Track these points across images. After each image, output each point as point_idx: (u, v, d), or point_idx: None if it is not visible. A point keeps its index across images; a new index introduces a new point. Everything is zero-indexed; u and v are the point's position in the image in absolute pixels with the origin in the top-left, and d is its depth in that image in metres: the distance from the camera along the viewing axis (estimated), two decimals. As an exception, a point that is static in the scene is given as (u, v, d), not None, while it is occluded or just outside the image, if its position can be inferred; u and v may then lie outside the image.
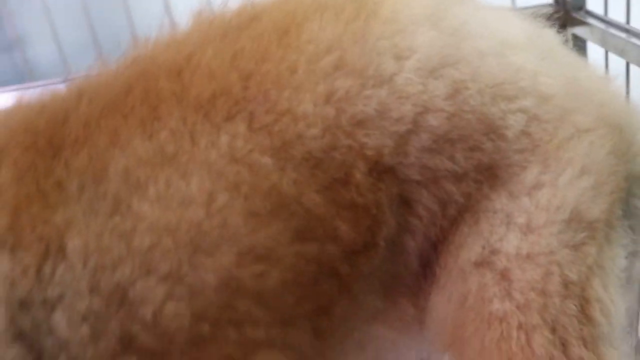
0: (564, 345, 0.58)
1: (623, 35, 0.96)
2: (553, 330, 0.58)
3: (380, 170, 0.55)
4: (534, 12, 1.05)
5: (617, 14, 1.00)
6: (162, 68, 0.54)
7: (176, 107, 0.51)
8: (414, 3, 0.60)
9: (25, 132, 0.51)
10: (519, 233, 0.58)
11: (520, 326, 0.58)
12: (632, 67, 0.95)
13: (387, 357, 0.72)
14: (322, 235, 0.54)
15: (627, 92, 0.93)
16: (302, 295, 0.54)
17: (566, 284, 0.58)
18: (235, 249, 0.50)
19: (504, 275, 0.58)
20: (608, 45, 1.00)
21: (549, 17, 1.06)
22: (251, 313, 0.52)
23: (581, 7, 1.11)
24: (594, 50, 1.08)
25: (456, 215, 0.59)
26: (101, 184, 0.50)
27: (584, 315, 0.59)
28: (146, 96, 0.52)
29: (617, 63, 1.00)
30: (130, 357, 0.49)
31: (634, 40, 0.93)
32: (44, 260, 0.48)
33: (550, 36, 0.68)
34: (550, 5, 1.12)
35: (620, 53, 0.97)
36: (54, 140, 0.51)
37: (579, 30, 1.10)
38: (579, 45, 1.12)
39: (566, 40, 1.07)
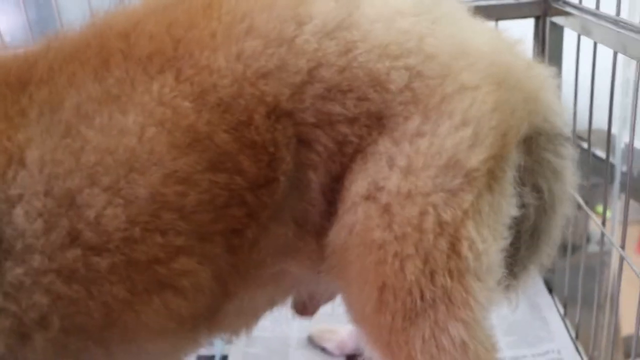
0: (432, 275, 0.66)
1: (594, 19, 1.06)
2: (424, 262, 0.66)
3: (278, 114, 0.65)
4: (518, 3, 1.19)
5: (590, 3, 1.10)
6: (114, 31, 0.68)
7: (122, 61, 0.66)
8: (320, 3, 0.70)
9: None
10: (400, 174, 0.66)
11: (396, 254, 0.66)
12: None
13: (302, 293, 0.83)
14: (230, 167, 0.65)
15: (594, 74, 1.04)
16: (216, 215, 0.65)
17: (440, 223, 0.66)
18: (161, 171, 0.62)
19: (386, 209, 0.67)
20: (583, 31, 1.08)
21: (529, 8, 1.20)
22: (174, 223, 0.63)
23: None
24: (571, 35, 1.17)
25: (352, 155, 0.68)
26: (57, 113, 0.62)
27: (454, 251, 0.67)
28: (100, 51, 0.67)
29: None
30: (75, 249, 0.61)
31: (603, 22, 1.00)
32: (7, 167, 0.61)
33: (449, 4, 0.75)
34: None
35: (590, 35, 1.04)
36: (22, 78, 0.65)
37: (556, 19, 1.21)
38: (557, 32, 1.23)
39: (545, 27, 1.22)
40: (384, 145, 0.67)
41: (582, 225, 1.16)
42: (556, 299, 1.25)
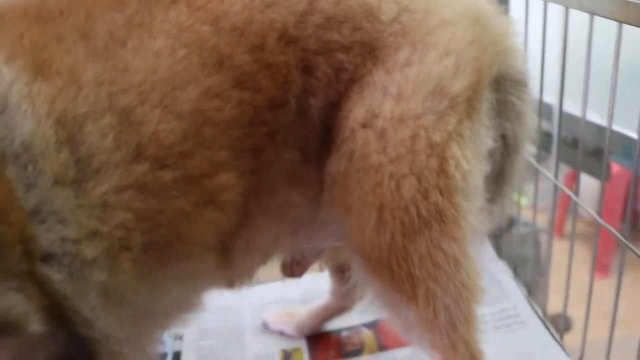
0: (426, 193, 0.72)
1: None
2: (418, 180, 0.72)
3: (287, 39, 0.71)
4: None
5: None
6: None
7: None
8: None
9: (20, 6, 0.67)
10: (393, 100, 0.72)
11: (392, 175, 0.72)
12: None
13: (300, 232, 0.84)
14: (252, 86, 0.69)
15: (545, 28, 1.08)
16: (245, 132, 0.70)
17: (430, 144, 0.72)
18: (198, 88, 0.66)
19: (382, 134, 0.72)
20: None
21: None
22: (215, 139, 0.68)
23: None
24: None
25: (348, 82, 0.73)
26: (91, 39, 0.65)
27: (442, 170, 0.73)
28: None
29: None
30: (143, 164, 0.64)
31: None
32: (68, 87, 0.63)
33: None
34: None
35: None
36: (43, 11, 0.67)
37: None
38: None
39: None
40: (377, 75, 0.73)
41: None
42: (506, 263, 1.29)
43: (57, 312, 0.59)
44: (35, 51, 0.62)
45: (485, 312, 1.16)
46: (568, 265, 0.99)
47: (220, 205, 0.70)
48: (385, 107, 0.72)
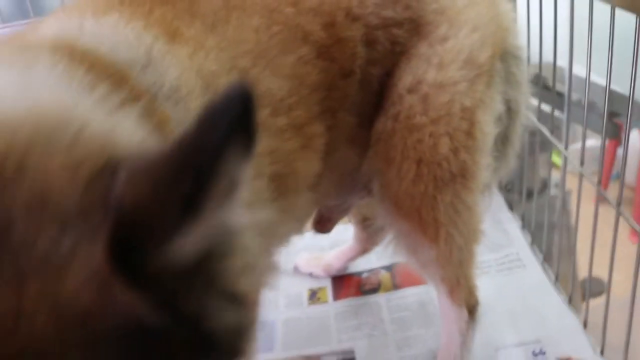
0: (456, 151, 0.87)
1: None
2: (452, 140, 0.87)
3: (352, 16, 0.83)
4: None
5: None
6: None
7: None
8: None
9: None
10: (435, 69, 0.86)
11: (431, 134, 0.86)
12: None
13: (343, 184, 0.99)
14: (328, 57, 0.81)
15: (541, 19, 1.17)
16: (326, 94, 0.82)
17: (463, 108, 0.87)
18: (292, 56, 0.78)
19: (425, 98, 0.86)
20: None
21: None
22: (309, 97, 0.80)
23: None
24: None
25: (399, 54, 0.87)
26: (200, 18, 0.75)
27: (470, 132, 0.88)
28: None
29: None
30: (264, 109, 0.74)
31: None
32: (198, 51, 0.72)
33: None
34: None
35: None
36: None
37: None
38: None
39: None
40: (422, 48, 0.86)
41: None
42: (516, 215, 1.40)
43: None
44: (164, 24, 0.71)
45: (490, 257, 1.29)
46: (592, 229, 1.04)
47: (315, 149, 0.83)
48: (428, 75, 0.85)
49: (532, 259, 1.29)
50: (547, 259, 1.28)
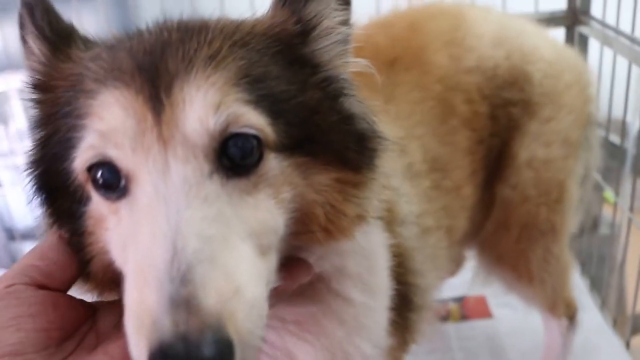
0: (549, 214, 1.03)
1: (614, 34, 1.32)
2: (548, 206, 1.03)
3: (483, 95, 0.98)
4: (551, 16, 1.45)
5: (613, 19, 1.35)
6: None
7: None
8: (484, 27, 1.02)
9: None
10: (543, 147, 1.00)
11: (536, 204, 1.03)
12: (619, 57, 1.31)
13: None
14: (470, 127, 0.96)
15: (613, 75, 1.29)
16: (471, 158, 0.97)
17: (558, 181, 1.03)
18: (447, 125, 0.94)
19: (536, 173, 1.01)
20: (605, 43, 1.33)
21: (563, 19, 1.46)
22: (462, 161, 0.96)
23: (586, 12, 1.49)
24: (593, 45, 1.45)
25: (514, 129, 1.00)
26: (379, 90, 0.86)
27: (561, 199, 1.04)
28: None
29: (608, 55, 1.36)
30: (436, 172, 0.92)
31: (622, 39, 1.29)
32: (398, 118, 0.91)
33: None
34: (563, 11, 1.52)
35: (610, 46, 1.31)
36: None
37: (583, 29, 1.49)
38: (583, 40, 1.51)
39: (573, 37, 1.48)
40: (533, 125, 1.01)
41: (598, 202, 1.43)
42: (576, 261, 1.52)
43: (398, 254, 0.76)
44: (384, 91, 0.88)
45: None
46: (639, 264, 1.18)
47: (467, 208, 0.98)
48: (538, 152, 1.00)
49: (590, 303, 1.41)
50: (605, 303, 1.40)
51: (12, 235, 1.88)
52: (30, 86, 0.62)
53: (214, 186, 0.51)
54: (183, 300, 0.45)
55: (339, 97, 0.60)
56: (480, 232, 1.08)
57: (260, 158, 0.53)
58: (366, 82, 0.88)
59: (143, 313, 0.46)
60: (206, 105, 0.51)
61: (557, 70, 1.02)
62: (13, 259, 1.94)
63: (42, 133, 0.60)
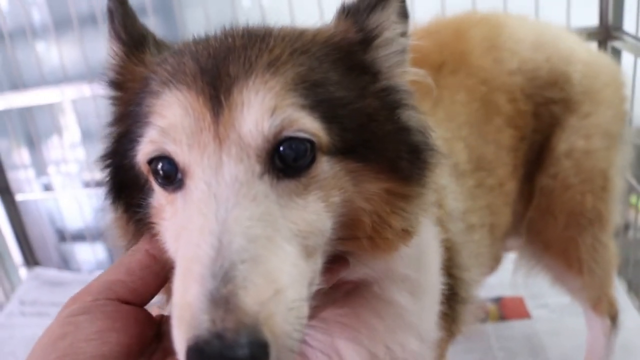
0: (595, 203, 1.08)
1: None
2: (593, 194, 1.08)
3: (526, 95, 1.03)
4: (583, 31, 1.51)
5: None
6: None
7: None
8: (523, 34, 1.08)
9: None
10: (583, 140, 1.06)
11: (580, 192, 1.07)
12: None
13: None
14: (513, 125, 1.01)
15: None
16: (514, 155, 1.02)
17: (601, 170, 1.08)
18: (491, 124, 1.00)
19: (576, 163, 1.06)
20: (638, 54, 1.40)
21: (595, 34, 1.53)
22: (505, 158, 1.01)
23: (619, 27, 1.55)
24: (627, 58, 1.51)
25: (555, 125, 1.06)
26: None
27: (605, 188, 1.09)
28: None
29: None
30: (481, 171, 0.97)
31: None
32: (443, 119, 0.97)
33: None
34: (596, 27, 1.59)
35: None
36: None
37: (616, 44, 1.55)
38: (616, 54, 1.56)
39: (607, 50, 1.54)
40: (572, 121, 1.06)
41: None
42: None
43: (447, 248, 0.79)
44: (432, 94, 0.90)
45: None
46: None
47: (510, 204, 1.02)
48: (578, 143, 1.05)
49: (629, 305, 1.45)
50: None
51: (63, 236, 1.99)
52: (107, 83, 0.67)
53: (264, 186, 0.53)
54: (223, 298, 0.46)
55: (397, 108, 0.62)
56: (520, 224, 1.12)
57: (312, 160, 0.55)
58: (416, 86, 0.96)
59: (185, 307, 0.47)
60: (263, 108, 0.53)
61: (594, 71, 1.08)
62: (64, 259, 2.04)
63: (116, 130, 0.64)
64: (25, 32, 1.59)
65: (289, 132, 0.54)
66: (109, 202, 0.65)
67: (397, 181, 0.60)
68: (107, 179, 0.64)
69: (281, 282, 0.49)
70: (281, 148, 0.54)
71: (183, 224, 0.53)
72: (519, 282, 1.38)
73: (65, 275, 1.88)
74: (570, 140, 1.06)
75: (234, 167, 0.53)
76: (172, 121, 0.55)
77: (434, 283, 0.75)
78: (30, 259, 1.93)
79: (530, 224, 1.11)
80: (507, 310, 1.49)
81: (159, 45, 0.68)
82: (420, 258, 0.71)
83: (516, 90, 1.02)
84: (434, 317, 0.75)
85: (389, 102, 0.62)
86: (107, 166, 0.65)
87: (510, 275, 1.27)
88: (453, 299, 0.80)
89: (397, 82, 0.65)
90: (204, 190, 0.52)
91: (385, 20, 0.65)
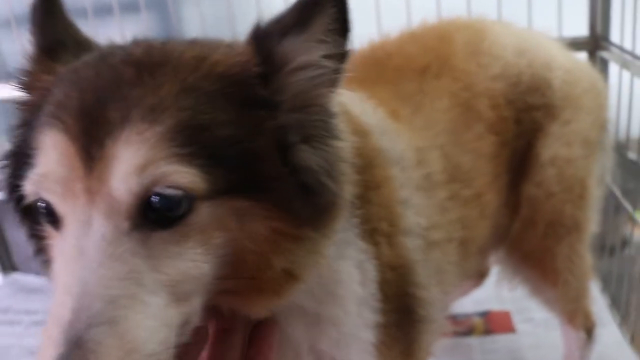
0: (573, 211, 1.07)
1: (632, 59, 1.36)
2: (572, 203, 1.07)
3: (508, 101, 1.02)
4: (573, 41, 1.50)
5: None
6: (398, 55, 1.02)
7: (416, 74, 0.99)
8: (506, 39, 1.07)
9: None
10: (565, 147, 1.05)
11: (560, 200, 1.06)
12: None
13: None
14: (494, 131, 0.99)
15: (631, 96, 1.35)
16: (495, 163, 0.99)
17: (580, 178, 1.07)
18: (472, 131, 0.97)
19: (559, 171, 1.05)
20: (624, 66, 1.41)
21: (585, 44, 1.52)
22: (485, 167, 0.97)
23: (606, 38, 1.55)
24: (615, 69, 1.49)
25: (537, 131, 1.04)
26: (406, 101, 0.94)
27: (583, 196, 1.09)
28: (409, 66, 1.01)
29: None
30: (456, 183, 0.93)
31: (638, 63, 1.34)
32: (409, 129, 0.91)
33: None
34: (585, 37, 1.59)
35: (628, 69, 1.38)
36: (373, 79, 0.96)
37: (604, 54, 1.55)
38: (604, 64, 1.56)
39: (595, 61, 1.53)
40: (554, 127, 1.05)
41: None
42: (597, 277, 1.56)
43: (399, 265, 0.76)
44: (386, 104, 0.88)
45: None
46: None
47: (488, 216, 1.00)
48: (560, 151, 1.04)
49: (610, 320, 1.45)
50: (624, 320, 1.44)
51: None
52: (17, 84, 0.65)
53: (132, 244, 0.52)
54: None
55: (293, 146, 0.58)
56: (507, 235, 1.11)
57: (189, 208, 0.53)
58: (396, 91, 0.95)
59: None
60: (133, 164, 0.51)
61: (574, 77, 1.08)
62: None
63: (18, 136, 0.62)
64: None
65: (158, 189, 0.52)
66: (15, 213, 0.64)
67: (286, 221, 0.57)
68: (7, 183, 0.63)
69: (137, 339, 0.50)
70: (153, 200, 0.52)
71: (57, 270, 0.54)
72: (506, 296, 1.37)
73: (43, 281, 1.84)
74: (554, 148, 1.05)
75: (102, 224, 0.52)
76: (48, 169, 0.54)
77: (348, 312, 0.72)
78: (8, 264, 1.89)
79: (513, 234, 1.10)
80: (493, 324, 1.49)
81: (82, 50, 0.64)
82: (326, 289, 0.69)
83: (499, 96, 1.01)
84: (356, 346, 0.73)
85: (285, 141, 0.58)
86: (6, 173, 0.63)
87: (497, 288, 1.27)
88: (410, 318, 0.79)
89: (309, 114, 0.60)
90: (73, 245, 0.52)
91: (302, 43, 0.59)
